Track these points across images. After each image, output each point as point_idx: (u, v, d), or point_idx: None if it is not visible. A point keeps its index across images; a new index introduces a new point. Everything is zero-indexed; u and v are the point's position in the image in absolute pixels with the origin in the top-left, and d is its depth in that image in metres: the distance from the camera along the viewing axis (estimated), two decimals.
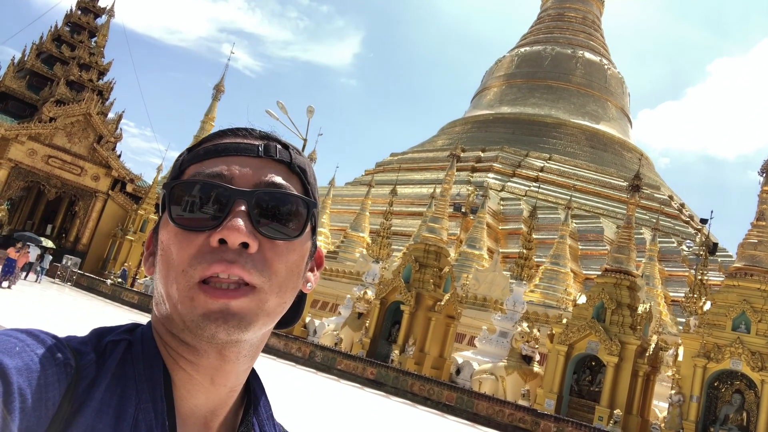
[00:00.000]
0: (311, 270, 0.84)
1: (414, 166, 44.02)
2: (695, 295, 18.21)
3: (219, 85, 54.02)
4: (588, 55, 49.03)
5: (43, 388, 0.63)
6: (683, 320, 19.99)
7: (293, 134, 22.84)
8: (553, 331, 16.63)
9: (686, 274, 29.96)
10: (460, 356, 19.32)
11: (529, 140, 43.31)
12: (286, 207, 0.75)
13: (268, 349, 17.98)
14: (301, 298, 0.83)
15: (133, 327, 0.79)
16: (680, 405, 13.76)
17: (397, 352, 17.79)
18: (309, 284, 0.83)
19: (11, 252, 21.62)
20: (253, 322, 0.72)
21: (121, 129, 37.48)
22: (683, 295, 24.36)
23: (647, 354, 15.43)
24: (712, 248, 25.13)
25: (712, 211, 25.33)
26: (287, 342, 18.50)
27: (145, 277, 32.36)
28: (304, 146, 22.65)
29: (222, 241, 0.71)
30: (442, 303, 18.34)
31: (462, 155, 30.63)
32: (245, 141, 0.79)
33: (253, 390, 0.84)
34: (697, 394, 13.57)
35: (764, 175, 15.58)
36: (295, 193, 0.77)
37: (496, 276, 24.73)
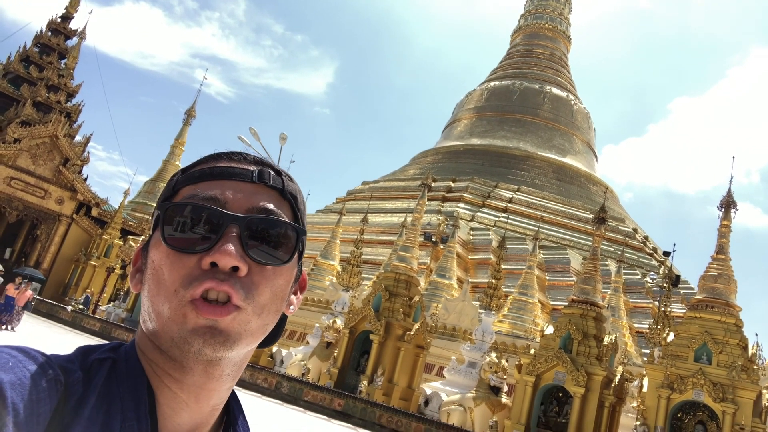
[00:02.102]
0: (294, 293, 0.86)
1: (385, 194, 44.23)
2: (659, 327, 18.56)
3: (190, 110, 53.76)
4: (555, 90, 50.42)
5: (35, 404, 0.64)
6: (648, 351, 20.29)
7: None
8: (521, 362, 16.69)
9: (650, 305, 30.52)
10: (428, 387, 19.18)
11: (499, 172, 44.03)
12: (276, 233, 0.77)
13: None
14: (282, 319, 0.85)
15: (117, 345, 0.80)
16: None
17: (365, 382, 17.58)
18: (292, 307, 0.85)
19: (10, 289, 19.58)
20: (237, 341, 0.74)
21: (88, 152, 36.88)
22: (647, 326, 24.80)
23: (613, 385, 15.58)
24: (675, 280, 25.73)
25: (674, 244, 26.11)
26: (253, 372, 18.12)
27: (108, 303, 31.47)
28: None
29: (213, 264, 0.73)
30: (412, 332, 18.27)
31: (433, 185, 30.96)
32: (240, 166, 0.81)
33: (232, 409, 0.85)
34: (662, 424, 13.72)
35: (723, 210, 16.12)
36: (286, 220, 0.79)
37: (465, 306, 24.79)
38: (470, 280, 29.81)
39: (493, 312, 20.25)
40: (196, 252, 0.74)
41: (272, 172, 0.82)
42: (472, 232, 36.28)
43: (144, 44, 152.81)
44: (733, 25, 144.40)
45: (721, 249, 15.79)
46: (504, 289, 23.33)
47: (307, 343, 22.89)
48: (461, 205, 39.18)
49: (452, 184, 41.90)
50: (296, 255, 0.80)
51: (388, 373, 17.78)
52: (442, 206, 38.81)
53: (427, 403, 18.40)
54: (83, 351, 0.76)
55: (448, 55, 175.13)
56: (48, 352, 0.72)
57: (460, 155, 47.14)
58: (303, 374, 19.18)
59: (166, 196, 0.81)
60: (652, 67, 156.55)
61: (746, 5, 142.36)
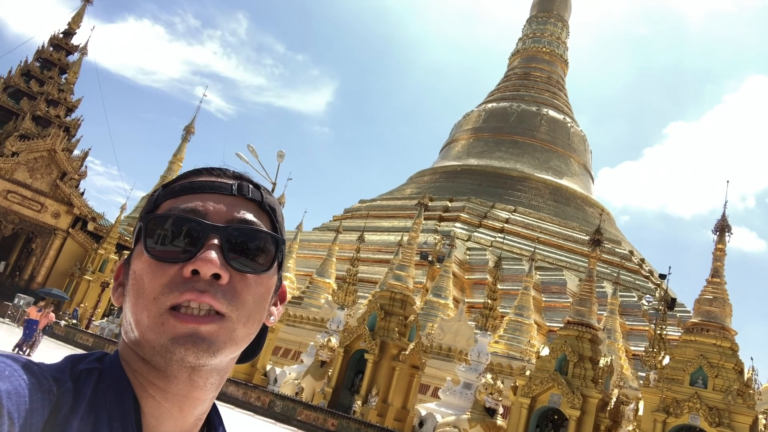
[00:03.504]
0: (275, 304, 0.87)
1: (382, 213, 44.28)
2: (655, 350, 18.51)
3: (189, 127, 53.86)
4: (552, 113, 50.85)
5: (29, 414, 0.65)
6: (644, 374, 20.21)
7: (263, 177, 22.85)
8: (517, 383, 16.59)
9: (646, 328, 30.47)
10: (423, 408, 19.03)
11: (495, 192, 44.19)
12: (256, 242, 0.79)
13: (226, 398, 17.41)
14: (262, 331, 0.86)
15: (102, 355, 0.81)
16: None
17: (359, 402, 17.44)
18: (272, 318, 0.87)
19: (32, 312, 18.92)
20: (221, 348, 0.76)
21: (86, 166, 36.92)
22: (643, 349, 24.71)
23: (609, 408, 15.48)
24: (671, 303, 25.72)
25: (670, 267, 26.07)
26: (246, 391, 17.97)
27: (102, 318, 31.25)
28: (273, 190, 22.64)
29: (195, 272, 0.75)
30: (407, 352, 18.17)
31: (430, 204, 31.02)
32: (219, 180, 0.84)
33: (212, 421, 0.87)
34: None
35: (717, 234, 16.19)
36: (265, 229, 0.82)
37: (461, 326, 24.70)
38: (466, 300, 29.74)
39: (488, 333, 20.17)
40: (177, 261, 0.75)
41: (251, 186, 0.85)
42: (468, 252, 36.28)
43: (145, 61, 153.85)
44: (729, 52, 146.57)
45: (716, 272, 15.81)
46: (500, 310, 23.27)
47: (302, 361, 22.73)
48: (458, 224, 39.24)
49: (449, 204, 42.00)
50: (276, 264, 0.82)
51: (383, 394, 17.64)
52: (439, 226, 38.85)
53: (421, 424, 18.23)
54: (72, 360, 0.77)
55: (447, 76, 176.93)
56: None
57: (458, 175, 47.34)
58: (297, 393, 19.01)
59: (147, 210, 0.83)
60: (648, 91, 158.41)
61: (742, 33, 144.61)
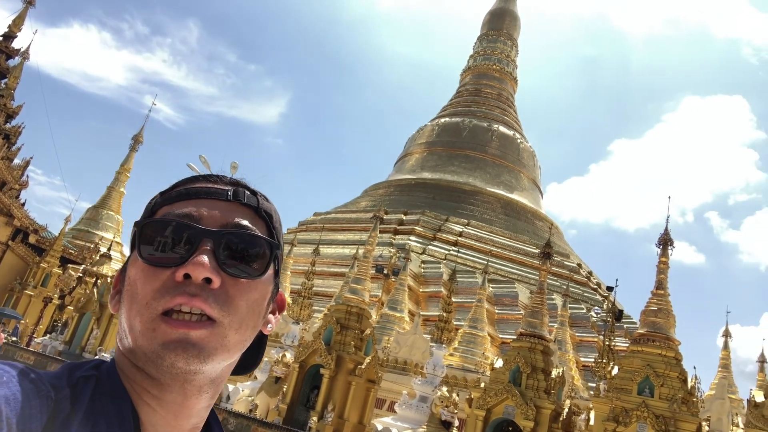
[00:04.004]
0: (272, 312, 0.88)
1: (337, 226, 44.16)
2: (604, 360, 19.10)
3: (138, 136, 52.28)
4: (503, 128, 52.08)
5: (28, 419, 0.65)
6: (594, 385, 20.78)
7: None
8: (472, 396, 16.78)
9: (595, 339, 31.37)
10: (379, 422, 18.96)
11: (449, 206, 44.79)
12: (250, 247, 0.80)
13: None
14: (261, 340, 0.87)
15: (99, 363, 0.81)
16: None
17: (315, 418, 17.24)
18: (270, 325, 0.87)
19: None
20: (212, 354, 0.76)
21: (27, 176, 35.37)
22: (593, 360, 25.42)
23: (561, 418, 15.85)
24: (618, 315, 26.58)
25: (617, 280, 27.08)
26: None
27: (44, 335, 29.84)
28: None
29: (187, 276, 0.75)
30: (363, 366, 18.12)
31: (385, 217, 31.19)
32: (215, 186, 0.85)
33: (212, 428, 0.87)
34: None
35: (660, 247, 16.91)
36: (259, 234, 0.82)
37: (416, 339, 24.82)
38: (421, 313, 29.94)
39: (444, 345, 20.34)
40: (170, 266, 0.76)
41: (247, 192, 0.86)
42: (423, 265, 36.57)
43: (91, 67, 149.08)
44: (668, 73, 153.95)
45: (660, 285, 16.49)
46: (454, 323, 23.51)
47: (255, 378, 22.30)
48: (413, 238, 39.52)
49: (404, 217, 42.30)
50: (271, 270, 0.83)
51: (339, 409, 17.50)
52: (394, 239, 39.03)
53: None
54: (69, 368, 0.78)
55: (401, 90, 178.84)
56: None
57: (412, 189, 47.76)
58: (250, 410, 18.64)
59: (144, 216, 0.85)
60: (594, 110, 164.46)
61: (679, 56, 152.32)
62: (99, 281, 28.02)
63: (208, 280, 0.75)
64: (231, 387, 21.45)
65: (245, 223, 0.82)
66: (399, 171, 53.03)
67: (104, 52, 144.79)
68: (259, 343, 0.87)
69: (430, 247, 39.24)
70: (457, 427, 17.51)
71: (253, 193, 0.87)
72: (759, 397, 13.85)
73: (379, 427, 18.57)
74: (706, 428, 14.92)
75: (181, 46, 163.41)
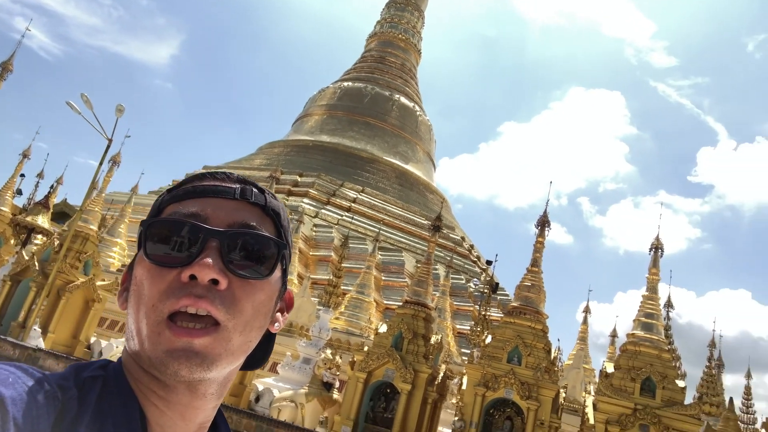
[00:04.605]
0: (280, 311, 0.88)
1: None
2: (479, 329, 20.37)
3: (7, 63, 46.96)
4: (403, 99, 52.70)
5: (35, 420, 0.66)
6: (468, 351, 22.14)
7: (97, 132, 20.80)
8: (355, 359, 17.27)
9: (472, 309, 33.26)
10: (261, 383, 18.99)
11: (345, 171, 44.89)
12: (257, 247, 0.80)
13: None
14: (269, 338, 0.87)
15: (106, 363, 0.81)
16: (461, 431, 15.16)
17: None
18: (277, 324, 0.87)
19: None
20: (216, 361, 0.76)
21: None
22: (469, 328, 27.02)
23: (436, 382, 16.78)
24: (495, 287, 28.36)
25: (497, 255, 28.80)
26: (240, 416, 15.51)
27: None
28: (108, 147, 20.71)
29: (193, 277, 0.75)
30: None
31: (280, 177, 30.69)
32: (223, 184, 0.85)
33: (219, 428, 0.88)
34: (476, 420, 15.09)
35: (539, 228, 18.18)
36: (266, 234, 0.82)
37: (304, 302, 24.94)
38: (310, 276, 30.05)
39: (331, 309, 20.67)
40: (176, 266, 0.76)
41: (255, 190, 0.85)
42: (315, 229, 36.57)
43: None
44: (559, 63, 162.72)
45: (536, 262, 17.78)
46: (342, 287, 23.92)
47: (277, 372, 19.68)
48: (306, 200, 39.29)
49: (299, 179, 41.85)
50: (278, 270, 0.83)
51: None
52: (287, 200, 38.59)
53: (258, 399, 18.20)
54: (76, 368, 0.77)
55: (304, 49, 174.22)
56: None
57: (309, 150, 47.25)
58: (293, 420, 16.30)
59: (152, 214, 0.84)
60: (489, 90, 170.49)
61: (570, 47, 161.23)
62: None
63: (214, 281, 0.75)
64: (260, 387, 18.55)
65: (252, 222, 0.81)
66: (297, 131, 52.14)
67: None
68: (267, 340, 0.86)
69: (323, 211, 39.25)
70: (337, 389, 17.97)
71: (261, 191, 0.86)
72: (609, 368, 15.49)
73: (261, 387, 18.60)
74: (563, 395, 16.50)
75: None
